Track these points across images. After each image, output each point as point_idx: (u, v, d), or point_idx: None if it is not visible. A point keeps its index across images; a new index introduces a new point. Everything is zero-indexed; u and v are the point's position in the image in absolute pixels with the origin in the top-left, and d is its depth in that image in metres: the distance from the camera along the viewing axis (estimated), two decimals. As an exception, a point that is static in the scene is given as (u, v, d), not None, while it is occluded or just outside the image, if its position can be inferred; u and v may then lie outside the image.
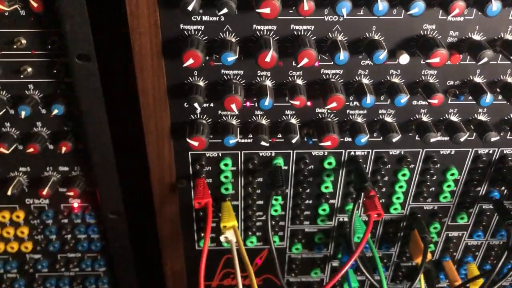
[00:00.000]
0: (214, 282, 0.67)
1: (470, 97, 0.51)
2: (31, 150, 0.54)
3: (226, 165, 0.55)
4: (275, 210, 0.60)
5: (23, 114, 0.51)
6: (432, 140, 0.51)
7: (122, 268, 0.66)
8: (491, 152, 0.57)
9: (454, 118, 0.53)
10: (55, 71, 0.51)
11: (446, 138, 0.55)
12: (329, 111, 0.52)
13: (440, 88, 0.50)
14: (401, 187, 0.59)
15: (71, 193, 0.58)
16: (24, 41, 0.49)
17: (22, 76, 0.51)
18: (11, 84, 0.52)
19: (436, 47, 0.45)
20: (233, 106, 0.47)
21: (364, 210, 0.52)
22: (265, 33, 0.46)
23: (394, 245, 0.65)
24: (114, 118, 0.53)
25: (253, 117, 0.52)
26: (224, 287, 0.68)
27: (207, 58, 0.47)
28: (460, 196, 0.61)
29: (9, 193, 0.56)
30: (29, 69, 0.51)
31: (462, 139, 0.51)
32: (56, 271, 0.66)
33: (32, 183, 0.59)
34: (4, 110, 0.52)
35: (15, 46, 0.49)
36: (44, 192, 0.57)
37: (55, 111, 0.52)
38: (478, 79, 0.51)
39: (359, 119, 0.53)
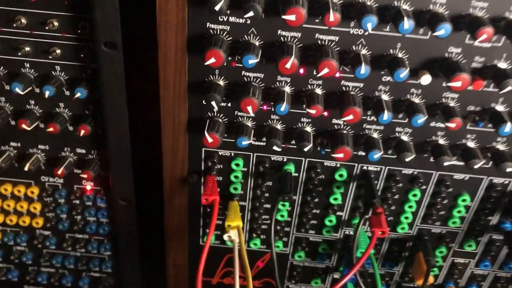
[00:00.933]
0: (214, 279, 0.68)
1: (490, 125, 0.50)
2: (51, 129, 0.55)
3: (237, 165, 0.56)
4: (282, 216, 0.60)
5: (47, 93, 0.53)
6: (445, 163, 0.51)
7: (127, 254, 0.67)
8: (506, 182, 0.56)
9: (471, 144, 0.53)
10: (82, 55, 0.52)
11: (462, 163, 0.54)
12: (345, 123, 0.52)
13: (460, 112, 0.50)
14: (410, 207, 0.58)
15: (85, 176, 0.59)
16: (56, 24, 0.51)
17: (50, 57, 0.52)
18: (40, 64, 0.53)
19: (459, 71, 0.44)
20: (249, 108, 0.47)
21: (369, 226, 0.52)
22: (289, 39, 0.47)
23: (397, 264, 0.65)
24: (133, 107, 0.54)
25: (269, 121, 0.53)
26: (224, 286, 0.68)
27: (229, 58, 0.48)
28: (470, 223, 0.60)
29: (26, 168, 0.58)
30: (58, 51, 0.52)
31: (477, 166, 0.51)
32: (63, 249, 0.67)
33: (49, 162, 0.60)
34: (30, 88, 0.54)
35: (47, 28, 0.51)
36: (60, 172, 0.58)
37: (78, 94, 0.53)
38: (499, 107, 0.50)
39: (375, 135, 0.53)
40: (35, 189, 0.62)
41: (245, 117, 0.53)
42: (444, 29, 0.42)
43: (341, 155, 0.50)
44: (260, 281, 0.67)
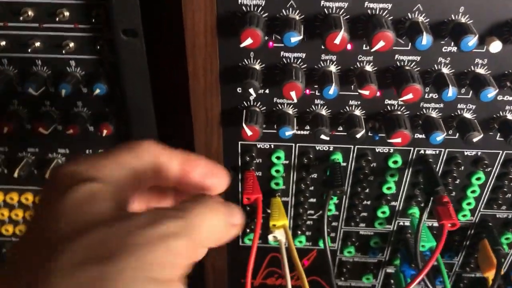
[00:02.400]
0: (257, 280, 0.63)
1: None
2: (70, 131, 0.50)
3: (278, 158, 0.50)
4: (329, 210, 0.54)
5: (63, 92, 0.48)
6: (519, 142, 0.44)
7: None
8: None
9: (545, 117, 0.46)
10: (98, 47, 0.47)
11: (533, 140, 0.48)
12: (401, 103, 0.46)
13: (534, 82, 0.43)
14: (473, 192, 0.52)
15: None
16: (67, 13, 0.45)
17: (63, 51, 0.47)
18: (52, 60, 0.48)
19: (538, 33, 0.38)
20: (293, 94, 0.41)
21: (437, 219, 0.46)
22: (334, 11, 0.41)
23: (458, 254, 0.59)
24: (160, 101, 0.49)
25: (312, 106, 0.47)
26: (267, 286, 0.63)
27: (266, 38, 0.42)
28: (540, 205, 0.54)
29: (47, 176, 0.53)
30: (71, 44, 0.47)
31: (555, 143, 0.44)
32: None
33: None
34: (44, 88, 0.49)
35: (57, 19, 0.45)
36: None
37: (97, 91, 0.48)
38: None
39: (434, 114, 0.46)
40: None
41: (286, 104, 0.47)
42: (522, -15, 0.36)
43: (398, 140, 0.44)
44: (307, 280, 0.62)
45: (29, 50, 0.47)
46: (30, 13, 0.45)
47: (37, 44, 0.47)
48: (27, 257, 0.25)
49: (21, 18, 0.45)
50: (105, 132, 0.51)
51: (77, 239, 0.24)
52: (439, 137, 0.44)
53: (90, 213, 0.26)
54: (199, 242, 0.27)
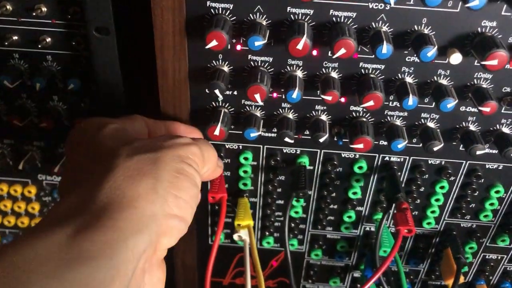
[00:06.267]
0: (226, 279, 0.63)
1: (528, 108, 0.45)
2: (44, 125, 0.51)
3: (246, 159, 0.51)
4: (296, 212, 0.55)
5: (37, 86, 0.48)
6: (479, 152, 0.45)
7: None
8: (545, 171, 0.50)
9: (506, 130, 0.47)
10: (74, 43, 0.48)
11: (495, 151, 0.49)
12: (364, 110, 0.47)
13: (494, 94, 0.44)
14: (437, 200, 0.53)
15: (84, 173, 0.55)
16: (44, 9, 0.46)
17: (40, 46, 0.48)
18: (29, 53, 0.49)
19: (496, 47, 0.39)
20: (257, 96, 0.43)
21: (394, 224, 0.47)
22: (300, 17, 0.42)
23: (423, 262, 0.60)
24: (131, 97, 0.50)
25: (280, 109, 0.48)
26: (236, 286, 0.64)
27: (233, 40, 0.43)
28: (504, 216, 0.55)
29: (20, 167, 0.54)
30: (48, 39, 0.48)
31: (514, 155, 0.45)
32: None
33: (45, 159, 0.56)
34: (20, 80, 0.50)
35: (34, 14, 0.46)
36: (56, 170, 0.54)
37: (71, 86, 0.49)
38: (540, 88, 0.44)
39: (398, 122, 0.48)
40: (32, 188, 0.59)
41: (253, 106, 0.48)
42: (478, 0, 0.37)
43: (360, 146, 0.45)
44: (274, 281, 0.63)
45: (6, 43, 0.48)
46: (8, 7, 0.46)
47: (15, 37, 0.48)
48: (84, 173, 0.35)
49: (-1, 12, 0.46)
50: (79, 126, 0.52)
51: (125, 146, 0.35)
52: (401, 144, 0.45)
53: (125, 137, 0.38)
54: (206, 158, 0.39)
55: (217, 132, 0.45)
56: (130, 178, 0.32)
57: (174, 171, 0.34)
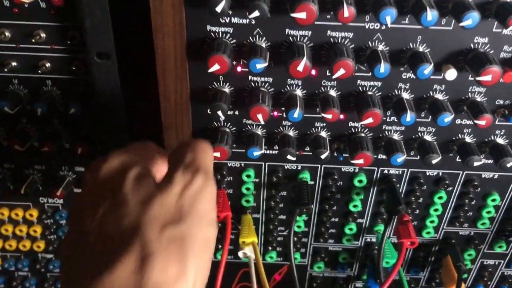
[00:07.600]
0: (229, 294, 0.64)
1: (522, 119, 0.46)
2: (46, 149, 0.51)
3: (248, 176, 0.52)
4: (298, 226, 0.56)
5: (39, 111, 0.49)
6: (475, 164, 0.47)
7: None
8: (539, 178, 0.52)
9: (500, 141, 0.48)
10: (74, 67, 0.48)
11: (490, 161, 0.50)
12: (363, 126, 0.48)
13: (488, 107, 0.45)
14: (436, 210, 0.54)
15: (86, 195, 0.55)
16: (43, 35, 0.47)
17: (40, 71, 0.48)
18: (29, 79, 0.49)
19: (489, 63, 0.40)
20: (260, 117, 0.43)
21: (397, 237, 0.48)
22: (298, 39, 0.43)
23: (423, 270, 0.61)
24: (133, 121, 0.50)
25: (280, 127, 0.49)
26: (240, 301, 0.65)
27: (234, 63, 0.44)
28: (500, 223, 0.56)
29: (22, 191, 0.54)
30: (48, 64, 0.48)
31: (509, 165, 0.46)
32: (68, 272, 0.64)
33: (46, 182, 0.56)
34: (20, 106, 0.50)
35: (34, 40, 0.46)
36: (58, 193, 0.54)
37: (72, 110, 0.49)
38: (532, 100, 0.46)
39: (396, 136, 0.49)
40: (33, 211, 0.58)
41: (255, 125, 0.48)
42: (471, 19, 0.38)
43: (361, 161, 0.46)
44: (277, 295, 0.64)
45: (6, 69, 0.48)
46: (7, 33, 0.47)
47: (14, 63, 0.48)
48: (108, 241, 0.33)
49: (-2, 38, 0.46)
50: (80, 150, 0.52)
51: (148, 212, 0.33)
52: (400, 158, 0.46)
53: (145, 188, 0.35)
54: (211, 176, 0.38)
55: (218, 153, 0.46)
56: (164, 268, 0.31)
57: (201, 245, 0.34)
